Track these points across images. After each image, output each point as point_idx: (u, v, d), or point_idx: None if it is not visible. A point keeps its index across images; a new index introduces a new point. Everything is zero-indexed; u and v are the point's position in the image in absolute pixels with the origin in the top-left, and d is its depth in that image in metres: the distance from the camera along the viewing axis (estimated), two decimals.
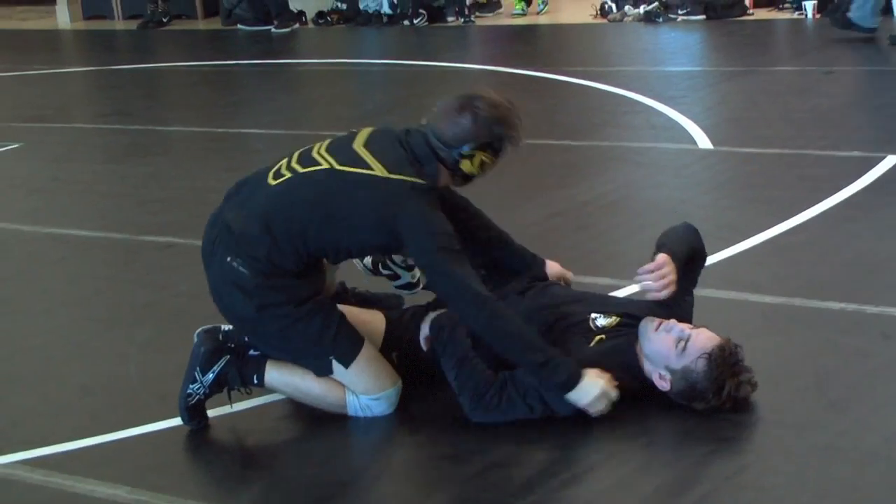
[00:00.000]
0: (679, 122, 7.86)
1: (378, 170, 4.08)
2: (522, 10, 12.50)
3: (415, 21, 12.55)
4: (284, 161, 4.29)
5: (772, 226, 5.75)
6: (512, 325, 4.05)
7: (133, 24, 14.50)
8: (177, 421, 4.27)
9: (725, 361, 3.95)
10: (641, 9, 11.53)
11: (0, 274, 6.29)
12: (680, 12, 11.36)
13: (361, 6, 13.02)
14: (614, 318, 4.29)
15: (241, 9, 13.54)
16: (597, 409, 3.95)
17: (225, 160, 8.37)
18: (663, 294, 4.19)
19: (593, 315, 4.32)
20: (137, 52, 13.09)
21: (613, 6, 11.72)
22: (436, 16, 12.59)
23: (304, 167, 4.20)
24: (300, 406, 4.32)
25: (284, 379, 4.28)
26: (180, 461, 4.26)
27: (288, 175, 4.21)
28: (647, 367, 4.09)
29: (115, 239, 6.50)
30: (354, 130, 4.32)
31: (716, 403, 3.95)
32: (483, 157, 4.15)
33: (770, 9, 11.23)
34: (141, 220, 6.96)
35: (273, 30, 12.96)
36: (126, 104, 10.44)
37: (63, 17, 15.30)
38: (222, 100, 10.58)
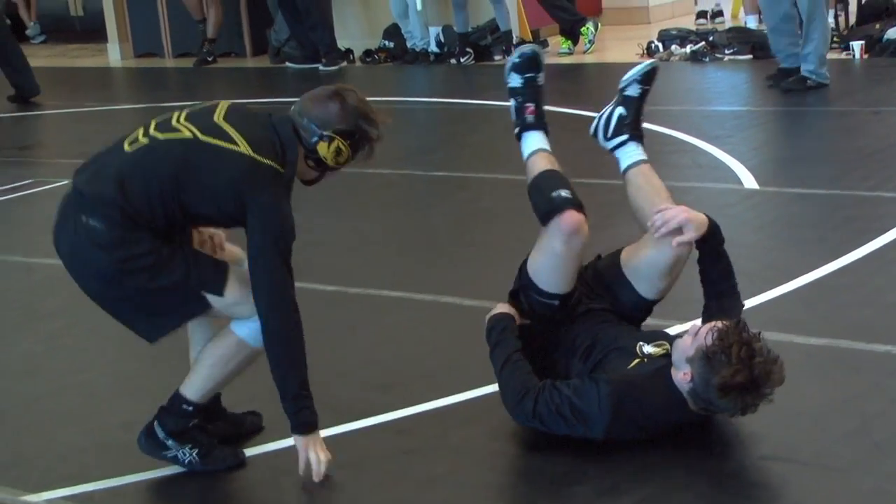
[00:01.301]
0: (725, 161, 7.83)
1: (243, 147, 4.09)
2: (569, 48, 12.50)
3: (462, 60, 12.57)
4: (140, 129, 4.23)
5: (817, 267, 5.72)
6: (296, 343, 4.13)
7: (182, 62, 14.59)
8: None
9: (734, 328, 3.95)
10: (688, 48, 11.52)
11: (48, 310, 6.34)
12: (726, 52, 11.34)
13: (409, 45, 13.06)
14: (663, 348, 4.27)
15: (289, 47, 13.61)
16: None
17: None
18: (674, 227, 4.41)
19: (641, 343, 4.32)
20: (187, 90, 13.14)
21: (660, 45, 11.71)
22: (482, 54, 12.61)
23: (163, 133, 4.17)
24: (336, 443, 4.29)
25: (200, 380, 4.30)
26: (221, 499, 4.27)
27: (145, 142, 4.16)
28: (677, 377, 4.06)
29: None
30: (214, 102, 4.35)
31: (729, 375, 3.85)
32: (340, 145, 4.17)
33: None
34: None
35: (321, 68, 13.00)
36: None
37: (114, 55, 15.41)
38: None
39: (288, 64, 13.60)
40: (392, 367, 5.10)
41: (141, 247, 4.08)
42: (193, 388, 4.28)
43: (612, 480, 3.95)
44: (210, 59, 14.25)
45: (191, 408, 4.28)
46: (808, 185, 7.28)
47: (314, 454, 4.06)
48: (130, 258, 4.07)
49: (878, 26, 10.96)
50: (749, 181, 7.36)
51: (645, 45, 11.92)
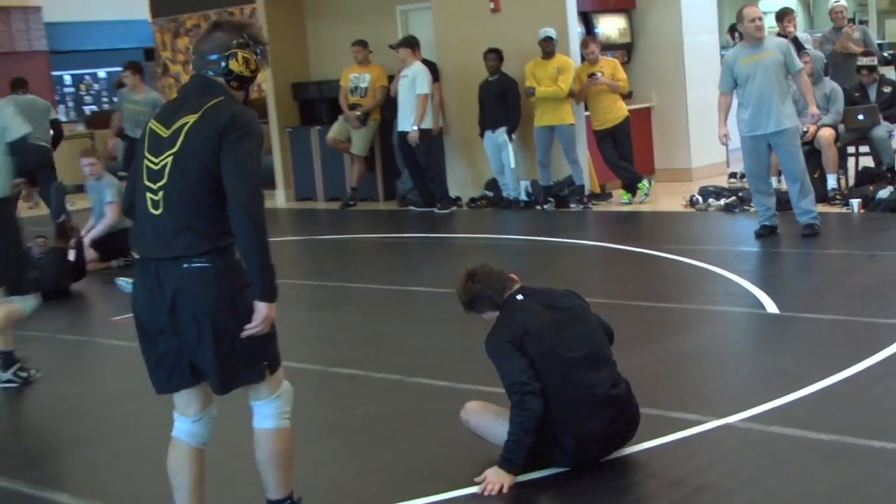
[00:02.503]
0: (751, 291, 7.75)
1: (191, 119, 3.84)
2: (629, 199, 12.48)
3: (545, 206, 12.60)
4: (143, 181, 3.90)
5: (825, 377, 5.60)
6: (264, 225, 3.82)
7: (331, 205, 14.77)
8: None
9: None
10: (722, 201, 11.48)
11: None
12: (753, 205, 11.25)
13: (504, 194, 13.11)
14: None
15: (412, 194, 13.71)
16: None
17: (396, 310, 8.45)
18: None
19: None
20: (334, 227, 13.32)
21: (700, 199, 11.67)
22: (561, 203, 12.62)
23: (156, 178, 3.86)
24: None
25: (283, 478, 4.11)
26: None
27: (158, 195, 3.85)
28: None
29: (312, 370, 6.53)
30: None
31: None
32: (244, 55, 3.94)
33: (823, 204, 11.06)
34: (331, 355, 7.02)
35: (436, 211, 13.09)
36: (324, 266, 10.64)
37: (280, 199, 15.65)
38: (395, 263, 10.72)
39: (411, 207, 13.70)
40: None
41: (239, 273, 3.94)
42: (282, 486, 4.10)
43: None
44: (352, 202, 14.41)
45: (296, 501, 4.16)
46: (818, 312, 7.18)
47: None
48: (237, 289, 3.92)
49: (871, 188, 10.89)
50: (771, 307, 7.27)
51: (688, 198, 11.87)
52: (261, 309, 3.83)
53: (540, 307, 4.71)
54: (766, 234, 9.63)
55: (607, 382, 4.60)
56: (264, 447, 4.04)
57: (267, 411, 4.01)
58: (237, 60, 3.93)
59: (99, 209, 11.12)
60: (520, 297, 4.78)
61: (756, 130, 9.44)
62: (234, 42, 3.94)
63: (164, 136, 3.88)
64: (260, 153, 3.91)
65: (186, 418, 4.01)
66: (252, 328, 3.83)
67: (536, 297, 4.79)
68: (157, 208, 3.84)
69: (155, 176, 3.85)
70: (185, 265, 3.79)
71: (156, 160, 3.86)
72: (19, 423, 6.66)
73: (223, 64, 3.93)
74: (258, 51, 4.01)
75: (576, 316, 4.74)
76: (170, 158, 3.83)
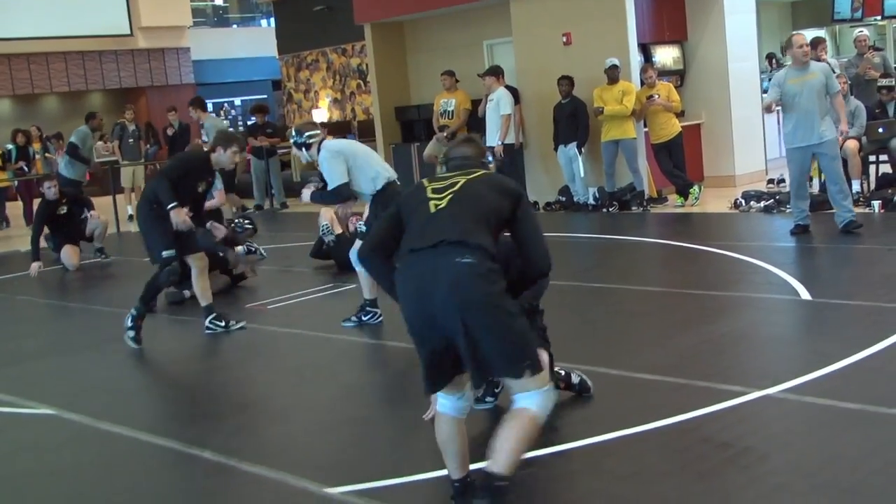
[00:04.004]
0: (787, 280, 7.66)
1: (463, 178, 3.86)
2: (682, 203, 12.38)
3: (610, 209, 12.55)
4: (432, 202, 3.77)
5: (853, 354, 5.53)
6: None
7: None
8: None
9: None
10: (762, 204, 11.34)
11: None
12: (788, 207, 11.09)
13: (575, 199, 13.08)
14: None
15: None
16: None
17: None
18: None
19: None
20: None
21: (743, 202, 11.53)
22: (624, 206, 12.55)
23: (443, 194, 3.78)
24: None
25: (511, 457, 3.58)
26: None
27: (444, 201, 3.74)
28: None
29: None
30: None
31: None
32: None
33: None
34: None
35: None
36: None
37: None
38: None
39: None
40: None
41: (500, 273, 3.66)
42: (509, 465, 3.57)
43: None
44: None
45: (504, 483, 3.57)
46: (845, 297, 7.08)
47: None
48: (502, 289, 3.63)
49: (890, 191, 10.73)
50: (804, 294, 7.18)
51: (732, 201, 11.74)
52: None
53: None
54: (800, 232, 9.52)
55: None
56: (514, 425, 3.59)
57: (534, 399, 3.60)
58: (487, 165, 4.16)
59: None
60: None
61: (802, 142, 9.32)
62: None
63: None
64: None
65: (452, 396, 3.76)
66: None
67: None
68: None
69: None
70: (458, 259, 3.58)
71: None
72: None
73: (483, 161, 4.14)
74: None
75: None
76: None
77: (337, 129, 18.66)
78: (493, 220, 3.76)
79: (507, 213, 3.81)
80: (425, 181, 3.94)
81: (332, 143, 7.29)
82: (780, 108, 9.56)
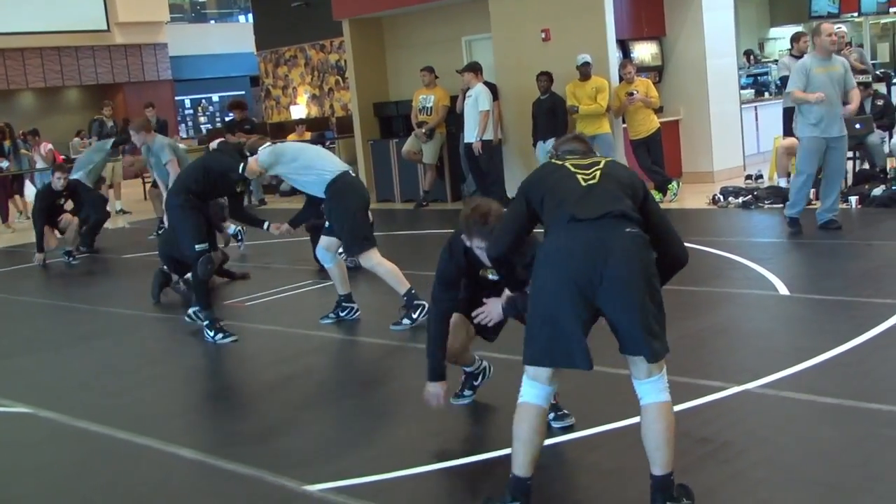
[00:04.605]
0: (765, 276, 7.69)
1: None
2: (660, 198, 12.38)
3: None
4: (579, 176, 3.74)
5: (831, 349, 5.55)
6: None
7: (407, 205, 14.83)
8: None
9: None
10: (740, 199, 11.38)
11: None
12: (766, 202, 11.17)
13: None
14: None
15: (476, 195, 13.70)
16: None
17: None
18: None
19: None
20: (409, 224, 13.35)
21: (721, 197, 11.57)
22: None
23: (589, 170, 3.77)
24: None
25: (670, 454, 3.59)
26: None
27: (596, 177, 3.73)
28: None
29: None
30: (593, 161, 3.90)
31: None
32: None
33: None
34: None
35: None
36: (402, 257, 10.66)
37: None
38: None
39: None
40: None
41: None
42: (671, 461, 3.58)
43: None
44: (425, 203, 14.46)
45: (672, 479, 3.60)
46: (823, 293, 7.10)
47: None
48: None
49: (867, 186, 10.81)
50: (783, 289, 7.21)
51: (711, 197, 11.78)
52: None
53: None
54: (797, 226, 9.37)
55: None
56: (663, 419, 3.58)
57: (659, 385, 3.61)
58: None
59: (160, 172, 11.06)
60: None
61: (824, 133, 9.16)
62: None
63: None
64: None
65: (545, 385, 3.64)
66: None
67: None
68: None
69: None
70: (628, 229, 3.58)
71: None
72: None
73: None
74: None
75: None
76: None
77: (315, 125, 18.62)
78: (635, 201, 3.74)
79: (640, 198, 3.79)
80: (557, 161, 3.91)
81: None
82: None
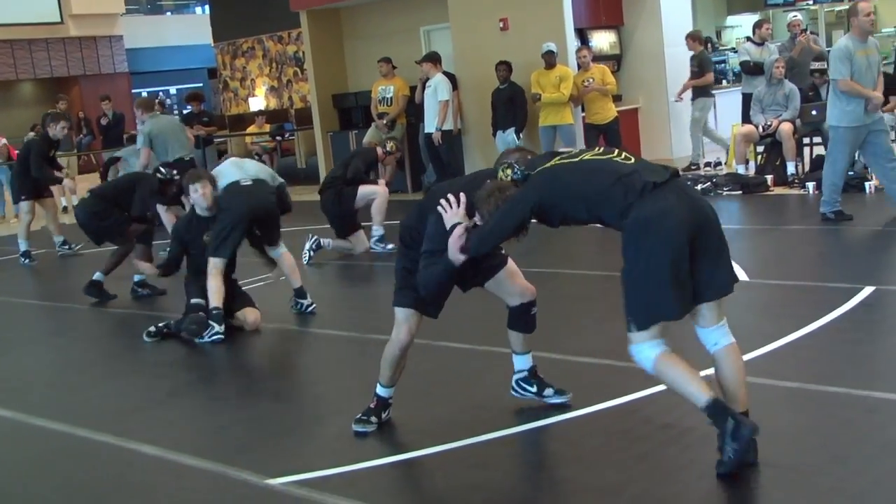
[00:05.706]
0: None
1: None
2: None
3: None
4: (613, 157, 3.95)
5: (789, 333, 5.60)
6: None
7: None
8: None
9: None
10: (699, 187, 11.41)
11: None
12: (725, 189, 11.22)
13: None
14: None
15: (435, 186, 13.66)
16: None
17: None
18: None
19: None
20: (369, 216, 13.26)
21: None
22: None
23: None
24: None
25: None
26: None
27: (623, 155, 3.97)
28: None
29: (350, 336, 6.47)
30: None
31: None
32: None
33: (784, 187, 11.03)
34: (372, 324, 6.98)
35: None
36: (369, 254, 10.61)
37: None
38: None
39: None
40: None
41: None
42: (746, 400, 3.94)
43: None
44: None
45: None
46: (781, 278, 7.18)
47: None
48: None
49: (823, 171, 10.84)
50: (742, 275, 7.23)
51: None
52: None
53: None
54: (841, 217, 8.87)
55: None
56: (735, 360, 3.93)
57: (726, 329, 3.94)
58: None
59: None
60: None
61: (863, 121, 8.69)
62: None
63: None
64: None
65: (660, 340, 3.90)
66: None
67: None
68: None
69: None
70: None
71: None
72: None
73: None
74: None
75: None
76: None
77: (274, 117, 18.49)
78: None
79: None
80: (566, 160, 4.06)
81: None
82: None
